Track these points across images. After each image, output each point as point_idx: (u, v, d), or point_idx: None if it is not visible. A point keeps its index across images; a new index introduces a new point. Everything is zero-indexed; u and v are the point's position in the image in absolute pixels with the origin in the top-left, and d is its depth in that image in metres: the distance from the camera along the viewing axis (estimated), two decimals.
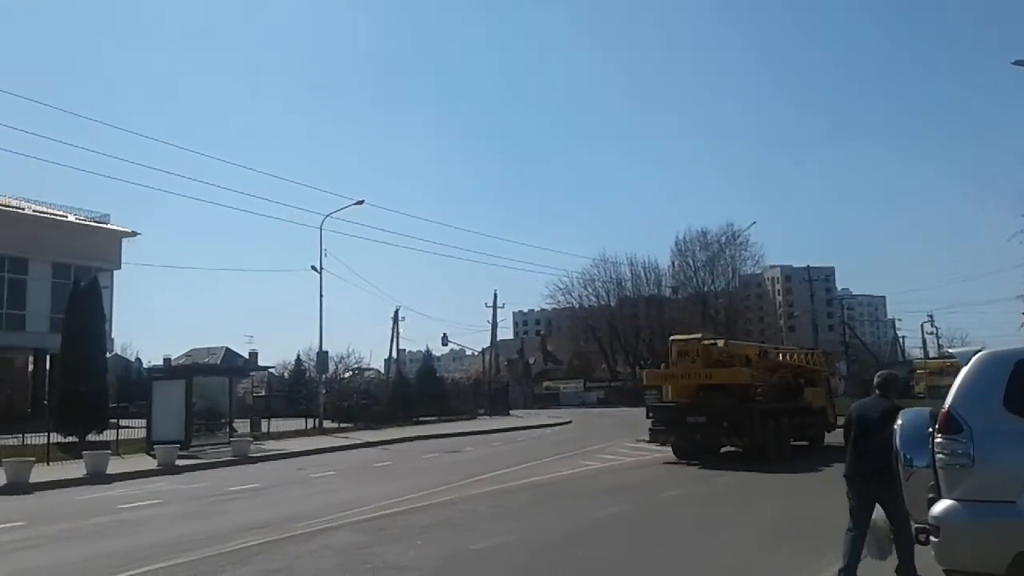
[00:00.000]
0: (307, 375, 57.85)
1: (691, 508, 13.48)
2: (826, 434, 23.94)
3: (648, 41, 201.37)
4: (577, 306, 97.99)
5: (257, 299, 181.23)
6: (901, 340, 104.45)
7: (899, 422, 6.80)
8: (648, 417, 22.25)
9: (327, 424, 38.81)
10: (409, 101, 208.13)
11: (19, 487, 17.67)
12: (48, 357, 43.85)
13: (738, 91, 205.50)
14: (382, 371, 71.94)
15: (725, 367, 21.51)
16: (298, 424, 37.30)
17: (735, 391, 21.00)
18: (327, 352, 44.34)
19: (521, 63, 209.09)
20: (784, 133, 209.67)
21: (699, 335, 24.36)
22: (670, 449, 21.73)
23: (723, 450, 21.37)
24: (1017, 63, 27.43)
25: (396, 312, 69.06)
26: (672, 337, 24.25)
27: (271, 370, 60.76)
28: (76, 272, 40.32)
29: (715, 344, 22.79)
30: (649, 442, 22.09)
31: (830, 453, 20.25)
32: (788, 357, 25.40)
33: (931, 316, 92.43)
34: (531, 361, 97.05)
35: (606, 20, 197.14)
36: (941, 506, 5.91)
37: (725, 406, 20.48)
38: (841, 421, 10.49)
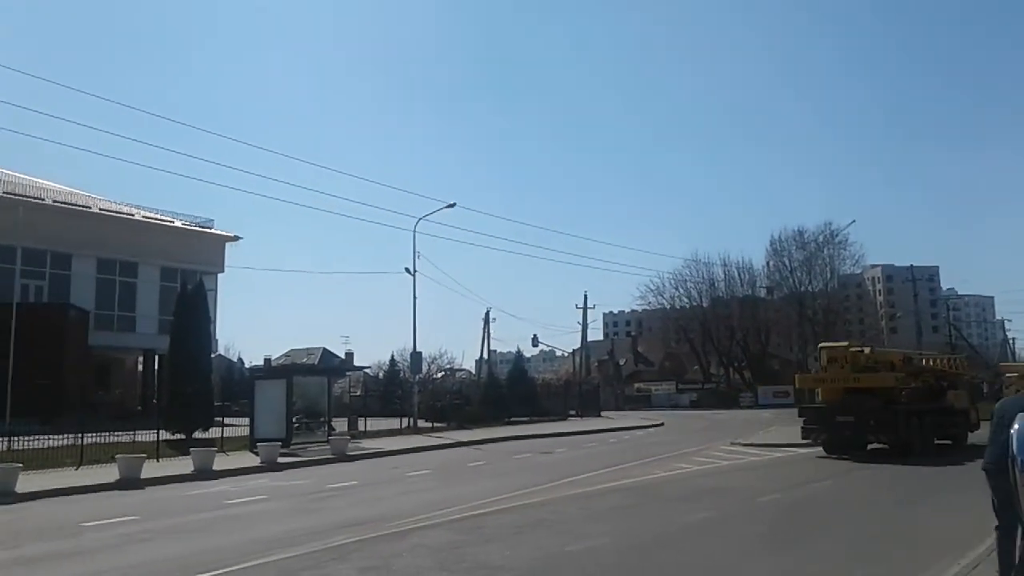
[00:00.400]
0: (401, 375, 58.81)
1: (787, 513, 13.17)
2: (970, 434, 24.83)
3: (738, 42, 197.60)
4: (668, 307, 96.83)
5: (353, 301, 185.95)
6: (1011, 342, 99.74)
7: (1016, 426, 6.53)
8: (800, 417, 24.45)
9: (421, 423, 39.39)
10: (499, 104, 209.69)
11: (131, 482, 18.49)
12: (156, 357, 45.81)
13: (834, 92, 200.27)
14: (473, 372, 72.65)
15: (871, 372, 23.18)
16: (393, 423, 37.98)
17: (881, 393, 22.49)
18: (420, 353, 44.97)
19: (608, 64, 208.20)
20: (884, 132, 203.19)
21: (846, 343, 26.82)
22: (769, 453, 23.14)
23: (870, 447, 23.03)
24: None
25: (487, 313, 69.72)
26: (821, 345, 27.50)
27: (366, 370, 61.94)
28: (182, 275, 42.13)
29: (862, 351, 24.50)
30: (802, 439, 23.68)
31: (972, 451, 20.40)
32: (931, 362, 26.88)
33: None
34: (622, 362, 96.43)
35: (695, 22, 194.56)
36: None
37: (871, 407, 22.04)
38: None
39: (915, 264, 76.55)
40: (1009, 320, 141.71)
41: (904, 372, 24.12)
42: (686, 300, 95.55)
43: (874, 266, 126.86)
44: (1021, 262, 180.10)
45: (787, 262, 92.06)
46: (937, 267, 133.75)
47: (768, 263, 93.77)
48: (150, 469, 20.09)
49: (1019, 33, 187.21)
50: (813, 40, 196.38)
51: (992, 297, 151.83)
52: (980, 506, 7.61)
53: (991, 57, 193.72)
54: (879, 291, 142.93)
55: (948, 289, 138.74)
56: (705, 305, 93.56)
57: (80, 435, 22.62)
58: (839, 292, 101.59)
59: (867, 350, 24.80)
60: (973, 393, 28.22)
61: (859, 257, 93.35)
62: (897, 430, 21.67)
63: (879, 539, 10.64)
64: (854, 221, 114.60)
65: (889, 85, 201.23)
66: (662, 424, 44.21)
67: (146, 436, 25.38)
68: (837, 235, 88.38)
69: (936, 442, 23.03)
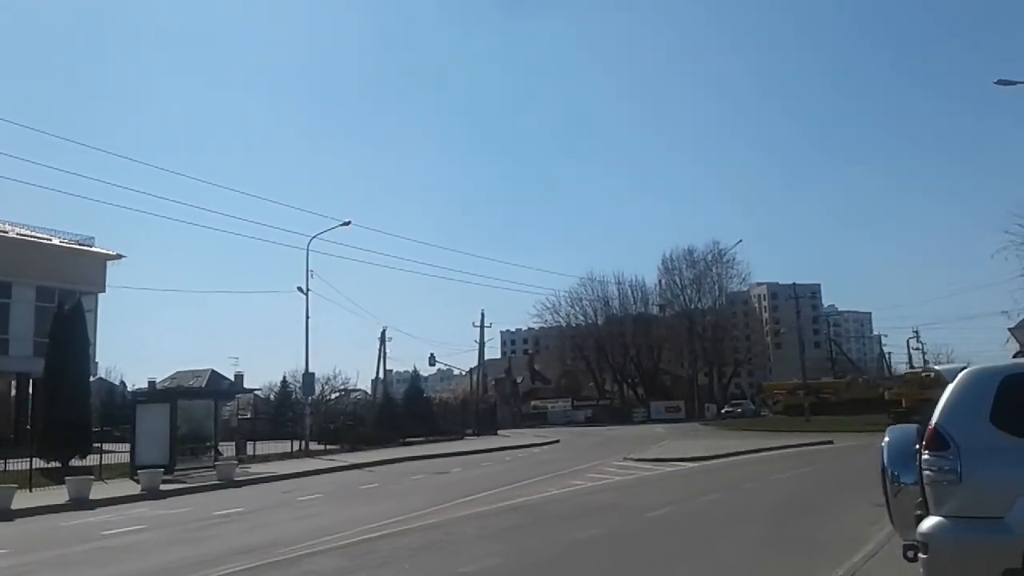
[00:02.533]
0: (293, 397, 57.53)
1: (677, 527, 13.37)
2: None
3: (645, 58, 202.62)
4: (564, 325, 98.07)
5: (243, 321, 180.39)
6: (887, 356, 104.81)
7: (886, 439, 6.79)
8: (888, 416, 37.32)
9: (313, 446, 38.56)
10: (396, 120, 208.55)
11: (1, 514, 17.46)
12: (31, 381, 43.40)
13: (734, 110, 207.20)
14: (369, 392, 71.65)
15: (932, 389, 32.82)
16: (284, 447, 37.06)
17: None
18: (313, 374, 44.18)
19: (510, 79, 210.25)
20: (774, 152, 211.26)
21: (920, 369, 44.06)
22: (661, 468, 24.23)
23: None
24: (1000, 83, 27.69)
25: (383, 332, 68.96)
26: (905, 372, 44.22)
27: (257, 392, 60.42)
28: (60, 295, 40.00)
29: (928, 375, 39.26)
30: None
31: None
32: None
33: (916, 332, 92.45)
34: (518, 380, 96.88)
35: (602, 36, 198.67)
36: (929, 523, 5.88)
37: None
38: None
39: (798, 282, 79.57)
40: (885, 335, 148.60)
41: None
42: (581, 318, 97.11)
43: (760, 284, 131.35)
44: (897, 279, 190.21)
45: (678, 280, 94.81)
46: (819, 284, 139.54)
47: (660, 281, 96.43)
48: (22, 499, 19.04)
49: (905, 57, 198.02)
50: (716, 59, 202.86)
51: (870, 313, 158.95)
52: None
53: (873, 79, 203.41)
54: (765, 308, 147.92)
55: (829, 306, 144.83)
56: (600, 323, 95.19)
57: None
58: (727, 309, 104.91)
59: (932, 374, 36.55)
60: None
61: (746, 275, 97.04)
62: None
63: (761, 551, 10.85)
64: (741, 240, 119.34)
65: (788, 104, 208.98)
66: (558, 441, 44.60)
67: (18, 465, 24.03)
68: (725, 254, 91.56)
69: None
